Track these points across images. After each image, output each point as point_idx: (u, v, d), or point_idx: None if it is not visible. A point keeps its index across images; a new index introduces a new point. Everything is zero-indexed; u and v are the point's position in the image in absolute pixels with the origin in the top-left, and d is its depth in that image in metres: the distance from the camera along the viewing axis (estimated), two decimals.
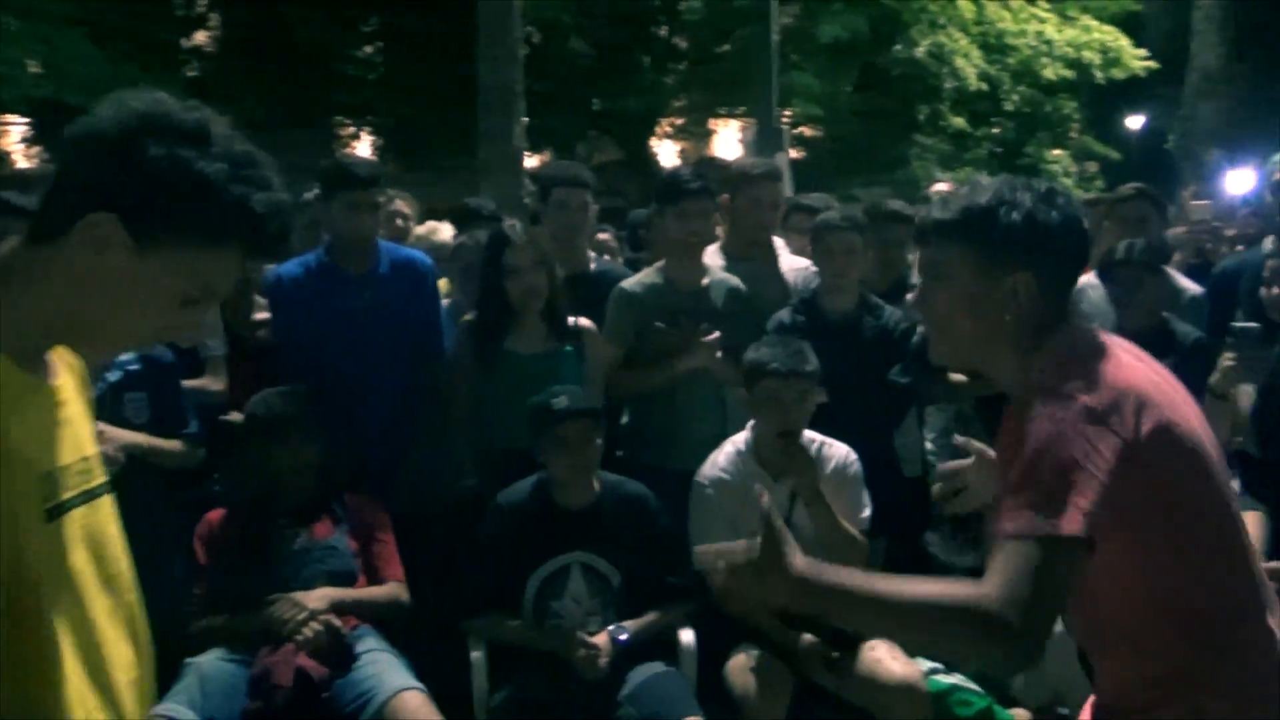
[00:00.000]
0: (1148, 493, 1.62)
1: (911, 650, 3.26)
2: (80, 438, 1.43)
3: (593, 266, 4.31)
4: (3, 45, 10.31)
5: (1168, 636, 1.69)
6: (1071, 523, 1.53)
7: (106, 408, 3.08)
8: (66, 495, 1.36)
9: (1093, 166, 22.29)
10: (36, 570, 1.29)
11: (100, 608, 1.41)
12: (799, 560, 1.63)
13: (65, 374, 1.45)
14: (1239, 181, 8.19)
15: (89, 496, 1.42)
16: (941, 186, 6.62)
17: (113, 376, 3.24)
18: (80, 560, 1.37)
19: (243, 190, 1.34)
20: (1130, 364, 1.71)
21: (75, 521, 1.37)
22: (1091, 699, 1.89)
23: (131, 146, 1.31)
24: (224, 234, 1.36)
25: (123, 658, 1.45)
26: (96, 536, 1.42)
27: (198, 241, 1.35)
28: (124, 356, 3.20)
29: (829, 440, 3.59)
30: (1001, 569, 1.53)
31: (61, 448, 1.37)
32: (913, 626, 1.64)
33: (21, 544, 1.28)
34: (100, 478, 1.46)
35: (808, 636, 3.36)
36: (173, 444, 3.31)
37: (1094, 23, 17.83)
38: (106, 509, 1.47)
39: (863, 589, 1.62)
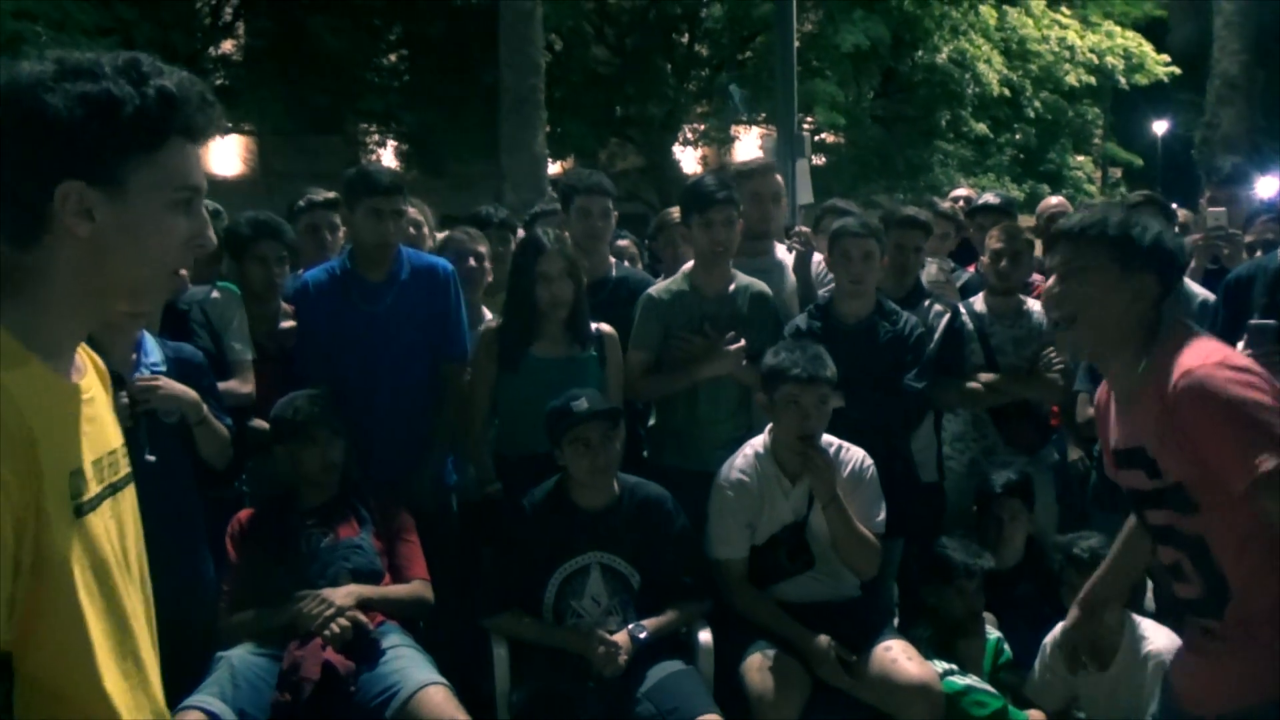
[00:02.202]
0: None
1: None
2: (106, 433, 1.45)
3: (614, 272, 4.37)
4: (35, 55, 10.43)
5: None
6: None
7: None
8: (94, 491, 1.37)
9: (1116, 172, 22.19)
10: (67, 564, 1.30)
11: (130, 596, 1.44)
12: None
13: (90, 370, 1.46)
14: (1266, 188, 8.17)
15: (114, 489, 1.43)
16: (961, 191, 6.63)
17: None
18: (108, 552, 1.40)
19: (153, 85, 1.33)
20: (1225, 345, 2.12)
21: (104, 514, 1.39)
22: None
23: (34, 111, 1.29)
24: (161, 130, 1.35)
25: (147, 644, 1.49)
26: (120, 528, 1.45)
27: (147, 152, 1.34)
28: (150, 358, 3.22)
29: (846, 444, 3.64)
30: None
31: (87, 444, 1.38)
32: None
33: (52, 539, 1.29)
34: (125, 469, 1.48)
35: (824, 637, 3.40)
36: (221, 426, 3.33)
37: (1116, 28, 17.76)
38: (130, 499, 1.49)
39: None
